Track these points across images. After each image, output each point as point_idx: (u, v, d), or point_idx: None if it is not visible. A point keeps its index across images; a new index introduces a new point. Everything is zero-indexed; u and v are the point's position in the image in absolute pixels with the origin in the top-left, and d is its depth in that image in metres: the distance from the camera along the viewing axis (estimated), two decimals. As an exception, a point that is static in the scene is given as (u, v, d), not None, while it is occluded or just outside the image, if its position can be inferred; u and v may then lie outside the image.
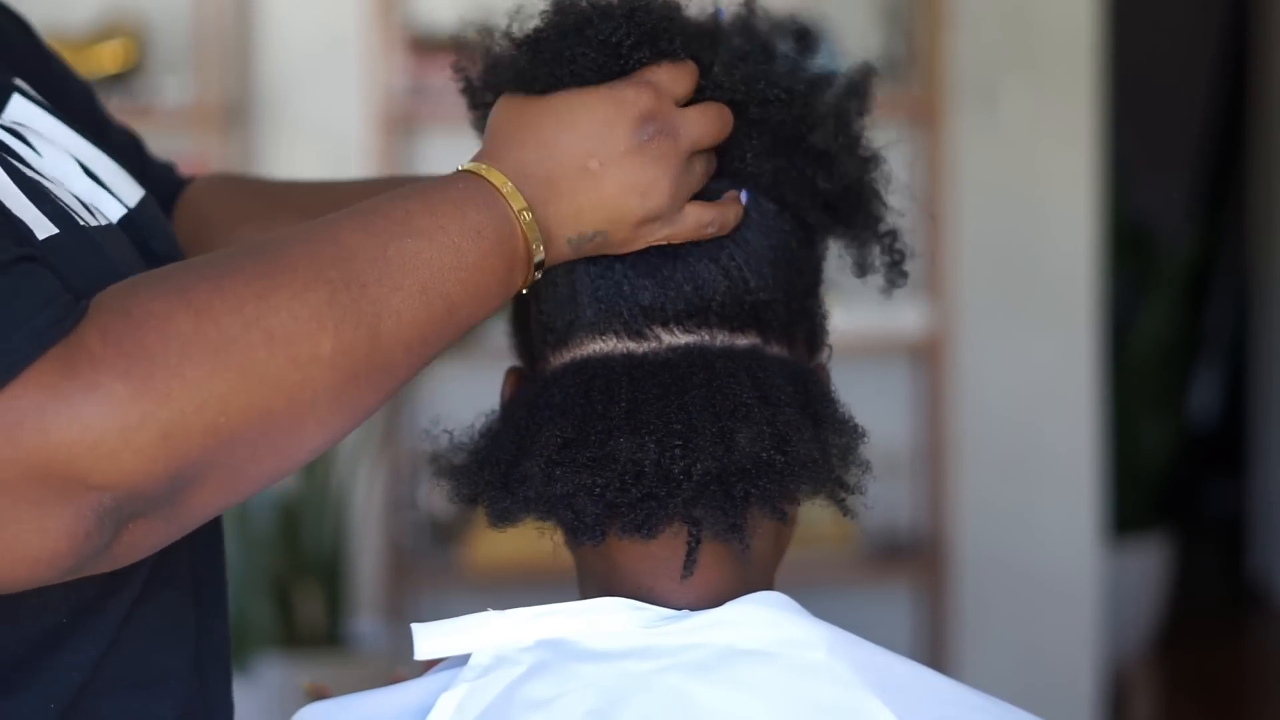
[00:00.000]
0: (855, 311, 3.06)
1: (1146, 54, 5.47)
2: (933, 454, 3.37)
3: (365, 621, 3.19)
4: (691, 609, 0.88)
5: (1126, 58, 4.27)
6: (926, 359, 3.37)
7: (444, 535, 3.31)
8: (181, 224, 1.11)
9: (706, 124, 0.90)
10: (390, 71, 3.23)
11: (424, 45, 3.29)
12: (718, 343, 0.90)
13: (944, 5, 3.29)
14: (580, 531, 0.88)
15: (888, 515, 3.39)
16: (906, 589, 3.46)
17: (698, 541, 0.88)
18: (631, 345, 0.90)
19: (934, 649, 3.37)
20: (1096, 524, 3.45)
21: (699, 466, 0.86)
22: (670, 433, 0.86)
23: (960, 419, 3.37)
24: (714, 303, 0.90)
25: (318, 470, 3.04)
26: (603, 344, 0.90)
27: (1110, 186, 3.61)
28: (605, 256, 0.90)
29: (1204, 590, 4.95)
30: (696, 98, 0.91)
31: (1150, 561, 4.01)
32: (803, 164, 0.94)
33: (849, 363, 1.01)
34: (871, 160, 0.97)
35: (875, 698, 0.84)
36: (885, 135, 1.00)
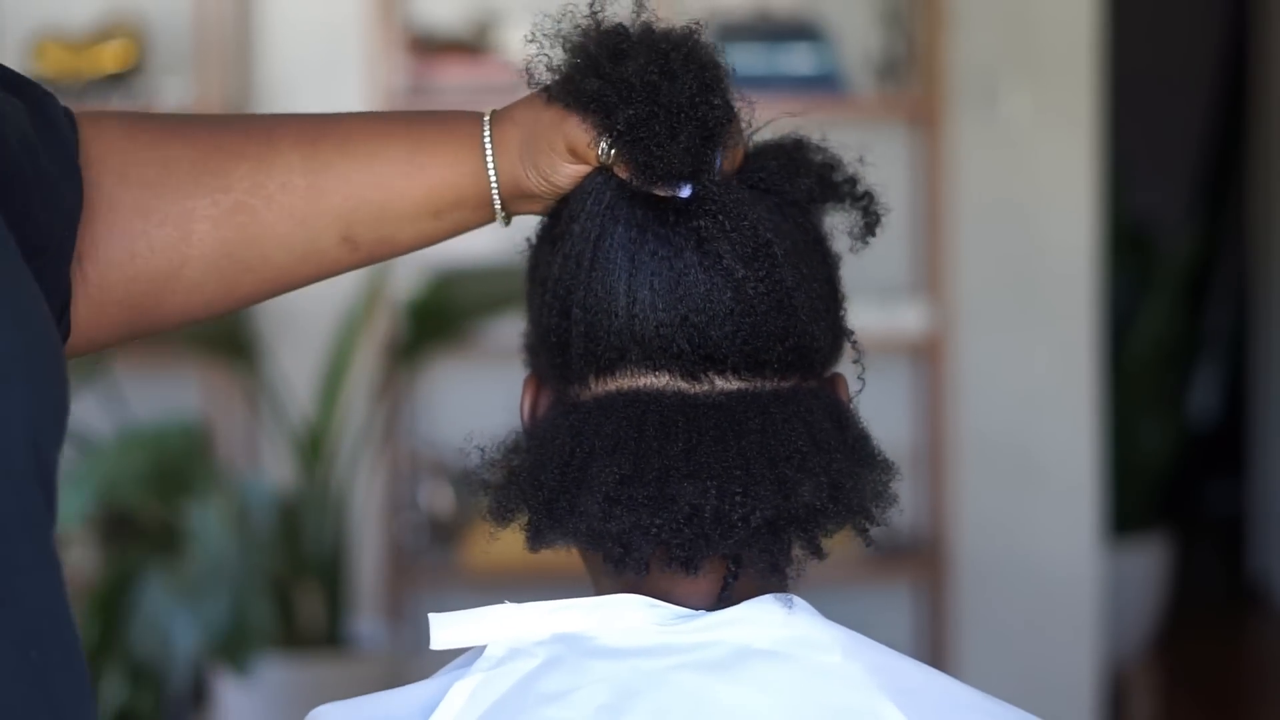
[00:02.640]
0: (855, 312, 3.05)
1: (1146, 54, 5.48)
2: (933, 454, 3.37)
3: (365, 621, 3.19)
4: (707, 609, 0.88)
5: (1126, 58, 4.28)
6: (926, 359, 3.37)
7: (444, 535, 3.31)
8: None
9: None
10: (390, 71, 3.23)
11: (424, 45, 3.29)
12: (768, 388, 0.90)
13: (944, 5, 3.29)
14: (627, 566, 0.87)
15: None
16: (906, 589, 3.46)
17: (734, 578, 0.88)
18: (684, 386, 0.89)
19: (934, 649, 3.36)
20: (1096, 524, 3.44)
21: (758, 514, 0.86)
22: (731, 479, 0.86)
23: (960, 419, 3.37)
24: (774, 354, 0.90)
25: (318, 470, 3.04)
26: (654, 380, 0.90)
27: (1110, 186, 3.61)
28: (670, 295, 0.89)
29: (1204, 589, 4.96)
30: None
31: (1150, 561, 4.01)
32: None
33: (849, 363, 1.01)
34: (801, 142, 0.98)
35: (889, 701, 0.84)
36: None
